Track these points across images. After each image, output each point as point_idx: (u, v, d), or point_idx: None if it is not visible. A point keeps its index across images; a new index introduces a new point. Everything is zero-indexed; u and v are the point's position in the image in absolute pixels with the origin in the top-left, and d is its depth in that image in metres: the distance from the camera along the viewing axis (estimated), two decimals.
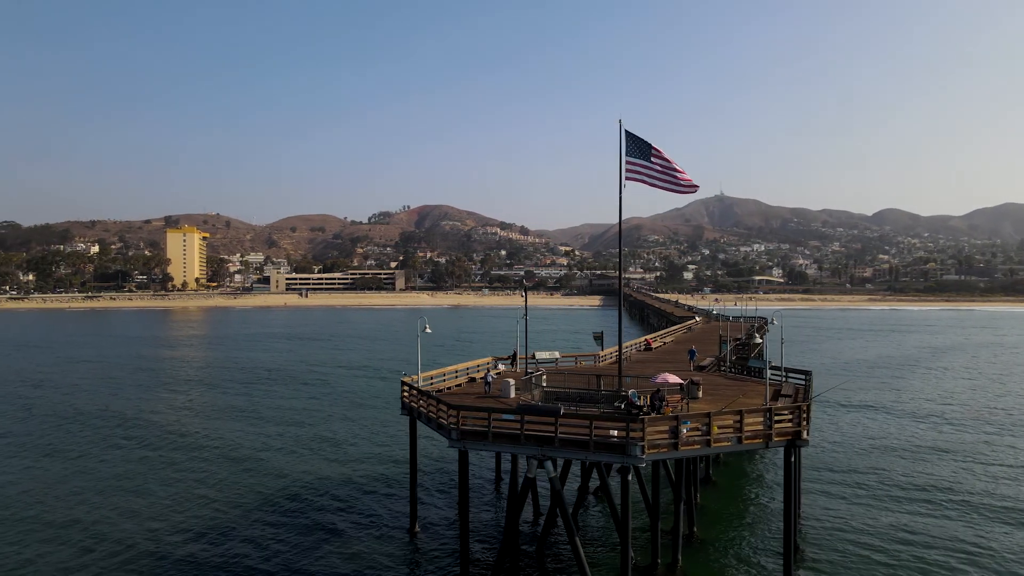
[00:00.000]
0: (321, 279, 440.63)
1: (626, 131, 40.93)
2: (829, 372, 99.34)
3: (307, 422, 64.84)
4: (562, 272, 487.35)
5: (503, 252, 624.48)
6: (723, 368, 50.40)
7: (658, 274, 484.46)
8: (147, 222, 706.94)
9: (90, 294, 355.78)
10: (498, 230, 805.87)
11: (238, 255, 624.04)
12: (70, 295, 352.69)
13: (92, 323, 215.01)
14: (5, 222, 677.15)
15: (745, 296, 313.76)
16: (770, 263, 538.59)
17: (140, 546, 35.50)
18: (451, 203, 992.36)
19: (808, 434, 33.13)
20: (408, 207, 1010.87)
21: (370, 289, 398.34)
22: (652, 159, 40.38)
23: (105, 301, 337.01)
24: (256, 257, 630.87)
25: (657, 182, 40.76)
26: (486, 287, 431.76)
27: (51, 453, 53.69)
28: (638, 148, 41.04)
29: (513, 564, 32.48)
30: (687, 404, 35.73)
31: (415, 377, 40.84)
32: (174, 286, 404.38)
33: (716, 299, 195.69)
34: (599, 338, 55.88)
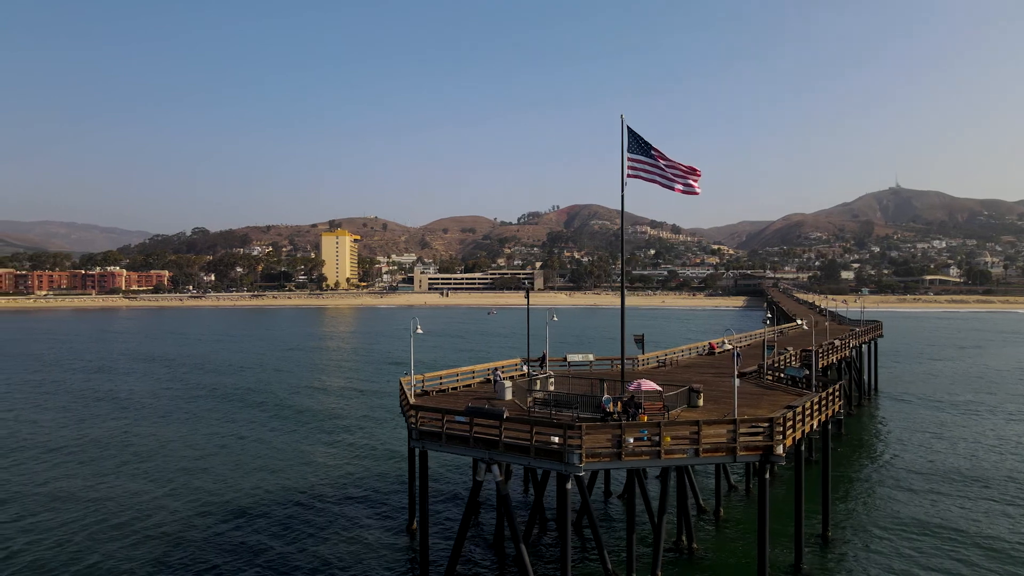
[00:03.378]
0: (462, 279, 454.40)
1: (628, 128, 40.15)
2: (940, 384, 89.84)
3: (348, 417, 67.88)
4: (708, 272, 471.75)
5: (651, 251, 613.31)
6: (763, 375, 47.42)
7: (812, 274, 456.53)
8: (314, 226, 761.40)
9: (256, 293, 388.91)
10: (647, 229, 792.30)
11: (391, 256, 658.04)
12: (239, 294, 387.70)
13: (257, 321, 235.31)
14: (196, 228, 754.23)
15: (909, 298, 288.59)
16: (950, 261, 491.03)
17: (159, 520, 39.35)
18: (601, 203, 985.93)
19: (785, 449, 30.79)
20: (557, 207, 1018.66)
21: (508, 289, 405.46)
22: (654, 156, 39.51)
23: (268, 300, 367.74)
24: (407, 258, 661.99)
25: (658, 179, 39.73)
26: (626, 287, 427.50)
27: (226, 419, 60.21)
28: (639, 145, 40.16)
29: (462, 566, 32.75)
30: (668, 412, 34.21)
31: (419, 377, 41.88)
32: (328, 286, 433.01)
33: (845, 301, 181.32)
34: (640, 341, 54.36)
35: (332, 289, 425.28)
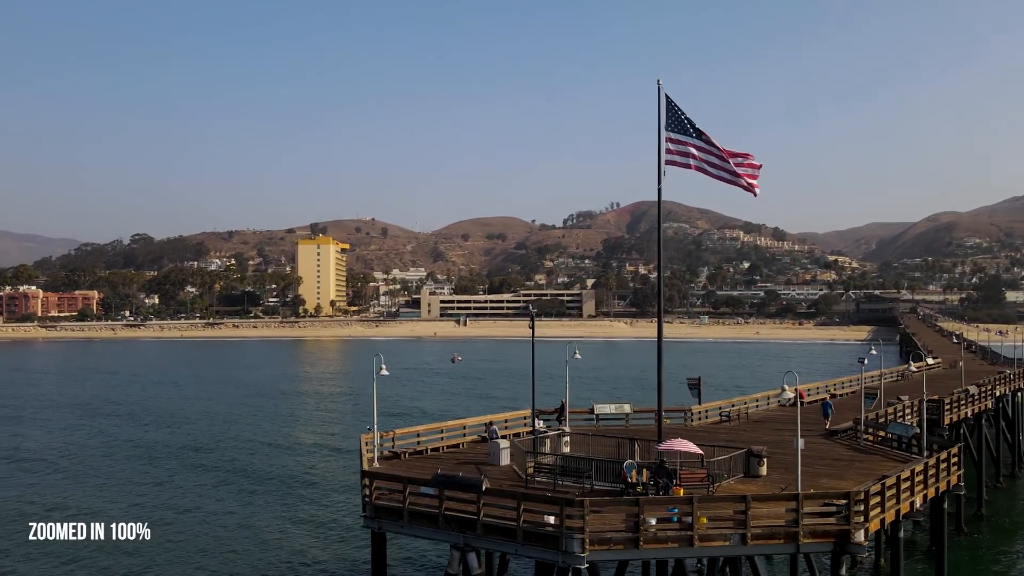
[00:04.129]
0: (486, 302, 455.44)
1: (666, 98, 40.36)
2: None
3: None
4: (820, 292, 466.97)
5: (744, 264, 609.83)
6: (860, 434, 47.12)
7: (966, 294, 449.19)
8: (290, 231, 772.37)
9: (211, 320, 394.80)
10: (740, 234, 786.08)
11: (392, 271, 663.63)
12: (190, 322, 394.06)
13: (211, 357, 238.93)
14: (137, 235, 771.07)
15: None
16: None
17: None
18: (677, 199, 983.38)
19: (869, 535, 30.54)
20: (617, 205, 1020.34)
21: (549, 315, 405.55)
22: (699, 137, 39.81)
23: (227, 329, 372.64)
24: (414, 273, 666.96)
25: (708, 168, 39.90)
26: (706, 313, 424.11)
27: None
28: (679, 122, 40.35)
29: None
30: (713, 484, 34.04)
31: (387, 434, 42.35)
32: (306, 310, 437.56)
33: (1003, 331, 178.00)
34: (695, 386, 54.37)
35: (312, 316, 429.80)
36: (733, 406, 58.55)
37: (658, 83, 39.87)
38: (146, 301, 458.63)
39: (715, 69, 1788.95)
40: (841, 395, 71.12)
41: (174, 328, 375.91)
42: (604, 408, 52.39)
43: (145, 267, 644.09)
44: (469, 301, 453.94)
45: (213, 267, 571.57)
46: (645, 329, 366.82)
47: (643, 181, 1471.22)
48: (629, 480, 33.55)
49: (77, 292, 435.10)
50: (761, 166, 39.19)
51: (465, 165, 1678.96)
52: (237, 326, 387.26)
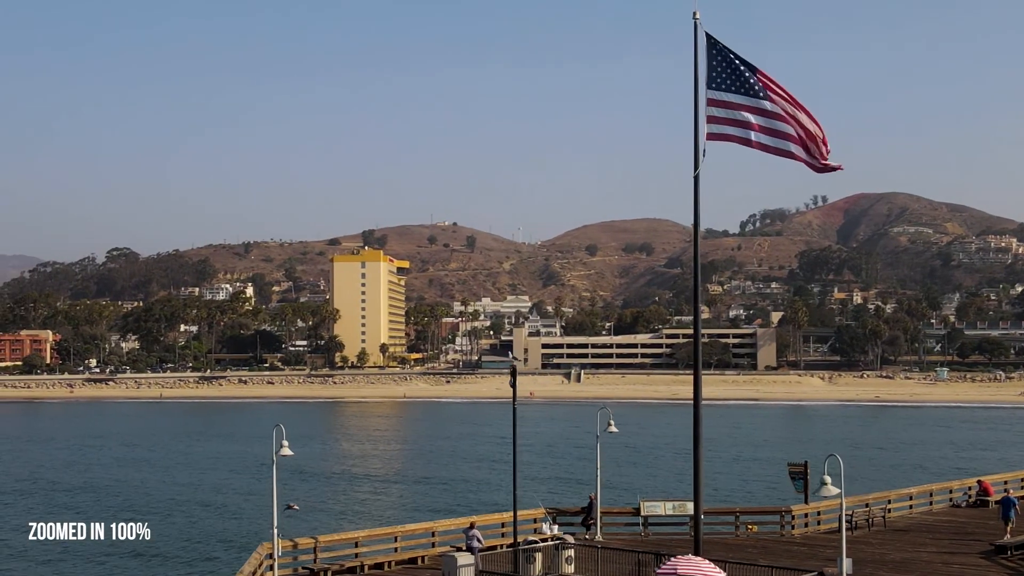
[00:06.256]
0: (610, 346, 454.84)
1: (707, 37, 38.77)
2: None
3: None
4: None
5: (1016, 287, 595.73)
6: None
7: None
8: (333, 242, 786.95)
9: (208, 373, 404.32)
10: (1013, 243, 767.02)
11: (481, 300, 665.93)
12: (179, 375, 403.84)
13: (207, 427, 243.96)
14: (115, 251, 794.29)
15: None
16: None
17: None
18: (913, 190, 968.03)
19: None
20: (822, 200, 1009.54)
21: (704, 366, 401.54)
22: (760, 92, 38.16)
23: (231, 386, 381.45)
24: (513, 303, 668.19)
25: (767, 143, 38.36)
26: (947, 363, 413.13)
27: None
28: (730, 73, 38.81)
29: None
30: None
31: (307, 541, 43.01)
32: (345, 358, 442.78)
33: None
34: (799, 475, 53.81)
35: (354, 366, 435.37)
36: (867, 506, 57.54)
37: (694, 17, 37.44)
38: (122, 345, 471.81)
39: None
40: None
41: (157, 382, 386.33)
42: (655, 507, 52.16)
43: (126, 295, 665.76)
44: (586, 345, 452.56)
45: (220, 296, 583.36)
46: (850, 388, 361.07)
47: (864, 163, 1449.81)
48: None
49: (23, 332, 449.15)
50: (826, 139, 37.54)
51: (593, 144, 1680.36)
52: (244, 381, 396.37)
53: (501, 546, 47.49)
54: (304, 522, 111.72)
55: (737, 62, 37.38)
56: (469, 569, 41.03)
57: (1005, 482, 67.54)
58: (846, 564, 33.69)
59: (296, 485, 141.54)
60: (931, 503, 62.96)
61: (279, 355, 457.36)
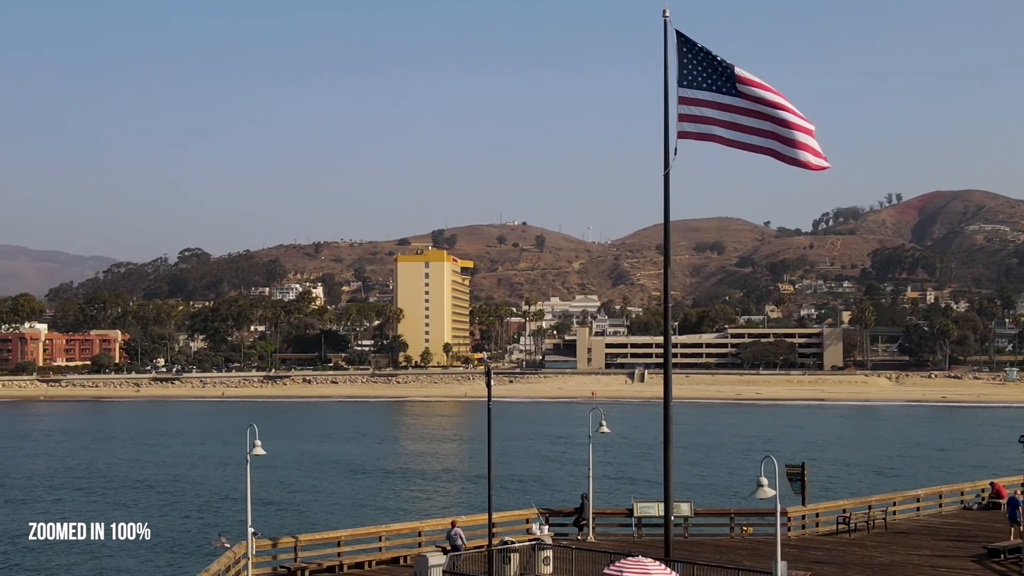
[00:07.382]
0: (674, 346, 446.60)
1: (677, 34, 37.60)
2: None
3: None
4: None
5: None
6: None
7: None
8: (403, 242, 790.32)
9: (272, 373, 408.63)
10: None
11: (551, 300, 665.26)
12: (243, 374, 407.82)
13: (270, 427, 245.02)
14: (187, 251, 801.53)
15: None
16: None
17: None
18: (989, 187, 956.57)
19: None
20: (897, 198, 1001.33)
21: (771, 366, 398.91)
22: (740, 95, 37.01)
23: (295, 386, 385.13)
24: (582, 303, 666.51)
25: (746, 140, 37.27)
26: (1016, 365, 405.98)
27: None
28: (702, 69, 37.73)
29: None
30: None
31: (288, 540, 44.09)
32: (408, 358, 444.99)
33: None
34: (796, 476, 54.09)
35: (418, 366, 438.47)
36: (870, 508, 57.61)
37: (664, 15, 37.87)
38: (190, 344, 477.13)
39: None
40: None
41: (222, 382, 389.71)
42: (648, 508, 52.48)
43: (197, 295, 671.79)
44: (650, 344, 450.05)
45: (291, 296, 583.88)
46: (916, 388, 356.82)
47: (941, 160, 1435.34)
48: None
49: (93, 332, 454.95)
50: (814, 132, 36.39)
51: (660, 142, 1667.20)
52: (308, 380, 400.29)
53: (505, 543, 47.72)
54: (353, 517, 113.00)
55: (707, 59, 36.62)
56: (440, 569, 41.32)
57: (1022, 484, 66.88)
58: (781, 567, 33.98)
59: (346, 483, 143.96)
60: (940, 505, 62.71)
61: (344, 355, 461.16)
